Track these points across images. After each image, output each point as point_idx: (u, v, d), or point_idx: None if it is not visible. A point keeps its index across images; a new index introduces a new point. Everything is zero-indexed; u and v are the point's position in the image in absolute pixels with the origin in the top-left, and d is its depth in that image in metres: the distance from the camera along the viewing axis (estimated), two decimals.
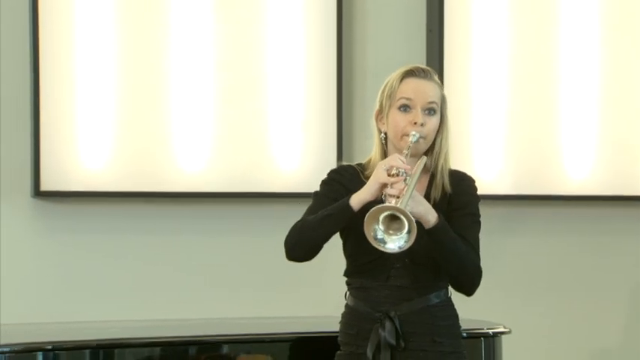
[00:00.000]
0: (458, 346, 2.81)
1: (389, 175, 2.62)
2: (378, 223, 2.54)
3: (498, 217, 4.54)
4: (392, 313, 2.74)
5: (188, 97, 4.23)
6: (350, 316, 2.83)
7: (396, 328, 2.73)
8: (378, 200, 2.64)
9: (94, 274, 4.19)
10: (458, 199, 2.80)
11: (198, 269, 4.31)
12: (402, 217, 2.51)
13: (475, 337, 3.21)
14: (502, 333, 3.30)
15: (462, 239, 2.73)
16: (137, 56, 4.18)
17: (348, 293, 2.86)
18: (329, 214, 2.70)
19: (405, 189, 2.58)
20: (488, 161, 4.54)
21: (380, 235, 2.55)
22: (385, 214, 2.53)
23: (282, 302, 4.26)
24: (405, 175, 2.62)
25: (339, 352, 2.85)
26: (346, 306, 2.85)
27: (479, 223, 2.82)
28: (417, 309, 2.76)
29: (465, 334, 3.00)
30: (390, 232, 2.54)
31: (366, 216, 2.54)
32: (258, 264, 4.31)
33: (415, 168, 2.70)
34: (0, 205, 4.10)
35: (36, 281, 4.13)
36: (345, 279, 2.86)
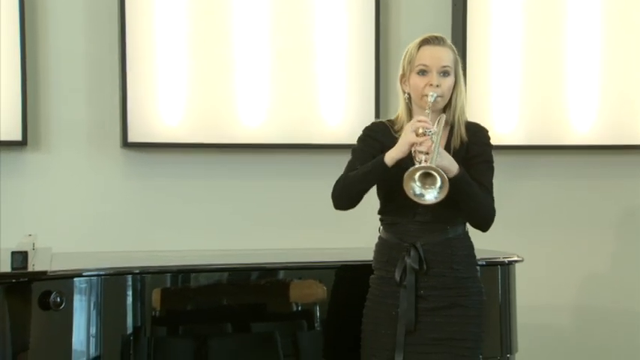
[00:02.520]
0: (473, 272, 2.87)
1: (417, 135, 2.66)
2: (414, 182, 2.58)
3: (513, 164, 4.58)
4: (417, 244, 2.80)
5: (249, 63, 4.24)
6: (382, 246, 2.90)
7: (419, 255, 2.79)
8: (409, 157, 2.70)
9: (172, 211, 4.26)
10: (475, 148, 2.83)
11: (257, 208, 4.36)
12: (434, 173, 2.57)
13: (493, 264, 3.23)
14: (516, 261, 3.32)
15: (478, 184, 2.77)
16: (207, 29, 4.20)
17: (381, 228, 2.92)
18: (368, 170, 2.74)
19: (433, 146, 2.62)
20: (504, 116, 4.54)
21: (418, 190, 2.59)
22: (420, 172, 2.58)
23: (328, 236, 4.26)
24: (430, 133, 2.65)
25: (372, 275, 2.92)
26: (379, 238, 2.93)
27: (493, 168, 2.87)
28: (439, 241, 2.81)
29: (484, 263, 3.05)
30: (426, 186, 2.59)
31: (404, 176, 2.59)
32: (308, 204, 4.34)
33: (437, 126, 2.73)
34: (94, 155, 4.17)
35: (125, 218, 4.20)
36: (379, 216, 2.93)
